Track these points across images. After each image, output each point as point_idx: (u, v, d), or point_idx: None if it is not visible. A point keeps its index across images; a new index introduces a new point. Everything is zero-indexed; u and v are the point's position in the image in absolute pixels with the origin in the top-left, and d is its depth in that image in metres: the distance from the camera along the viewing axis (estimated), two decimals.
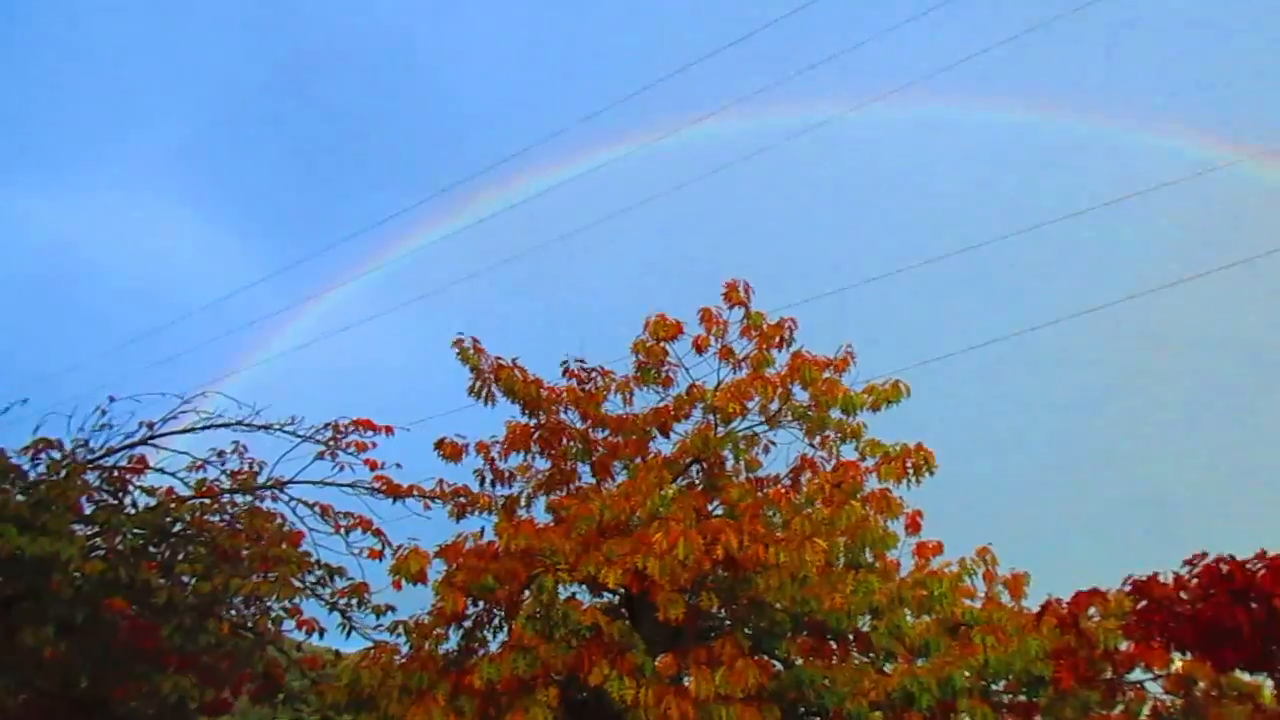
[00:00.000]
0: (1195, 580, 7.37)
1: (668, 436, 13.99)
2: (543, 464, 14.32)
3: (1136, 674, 11.67)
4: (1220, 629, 7.04)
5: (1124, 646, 11.44)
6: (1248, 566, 6.97)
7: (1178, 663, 11.45)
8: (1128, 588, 7.97)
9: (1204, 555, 7.34)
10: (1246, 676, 10.37)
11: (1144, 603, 7.84)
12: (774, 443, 13.89)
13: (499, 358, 13.80)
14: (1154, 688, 11.80)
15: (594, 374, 14.32)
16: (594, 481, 14.02)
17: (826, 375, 13.04)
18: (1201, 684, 11.48)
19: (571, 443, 14.14)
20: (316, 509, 14.11)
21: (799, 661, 12.48)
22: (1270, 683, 7.96)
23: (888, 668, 12.58)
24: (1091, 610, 10.96)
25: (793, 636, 12.73)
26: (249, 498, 14.22)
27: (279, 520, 14.18)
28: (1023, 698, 12.67)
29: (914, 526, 13.27)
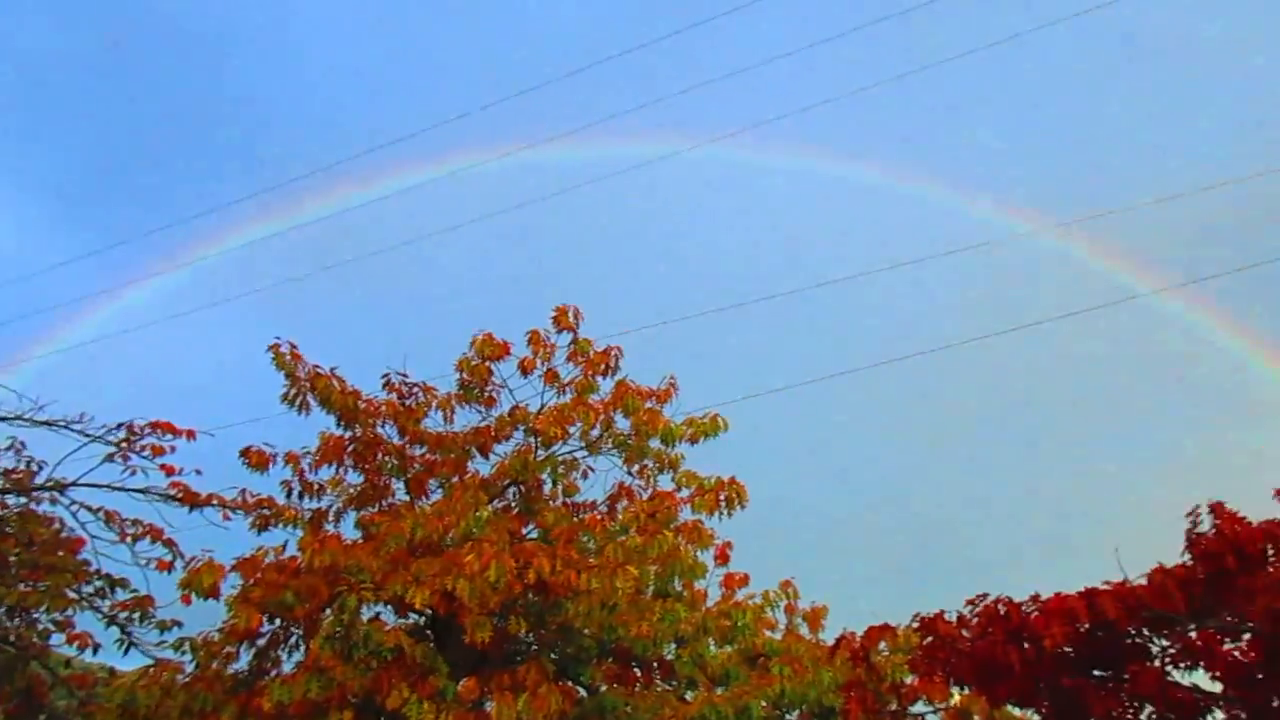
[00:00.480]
0: (976, 619, 7.85)
1: (487, 457, 13.84)
2: (355, 478, 13.87)
3: (920, 706, 12.33)
4: (995, 665, 7.52)
5: (909, 680, 12.08)
6: (1023, 608, 7.50)
7: (956, 697, 12.19)
8: (916, 624, 8.39)
9: (985, 596, 7.85)
10: (1016, 711, 11.13)
11: (930, 639, 8.27)
12: (593, 469, 13.99)
13: (317, 366, 13.31)
14: (935, 719, 12.49)
15: (416, 389, 14.02)
16: (408, 499, 13.68)
17: (649, 405, 13.24)
18: (976, 717, 12.27)
19: (387, 458, 13.77)
20: (101, 515, 13.16)
21: (603, 688, 12.53)
22: (1036, 717, 8.56)
23: (689, 696, 12.80)
24: (882, 645, 11.51)
25: (599, 663, 12.78)
26: (23, 499, 13.12)
27: (56, 525, 13.16)
28: None
29: (723, 558, 13.60)
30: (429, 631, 12.68)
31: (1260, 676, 7.23)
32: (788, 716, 13.21)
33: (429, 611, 11.83)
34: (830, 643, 13.51)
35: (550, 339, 13.63)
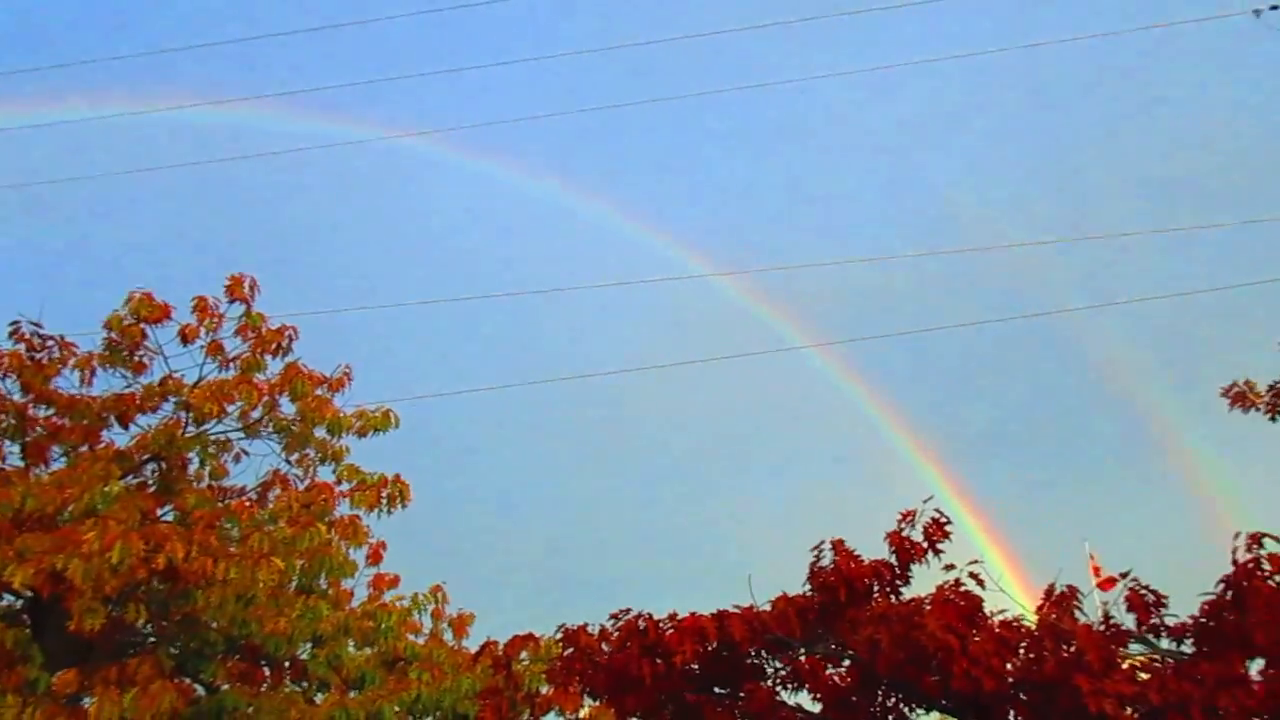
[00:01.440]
0: (617, 633, 8.15)
1: (126, 428, 12.60)
2: None
3: (552, 717, 12.63)
4: (628, 678, 7.84)
5: (545, 690, 12.34)
6: (661, 625, 7.87)
7: (587, 708, 12.62)
8: (559, 635, 8.57)
9: (628, 611, 8.16)
10: None
11: (570, 650, 8.48)
12: (248, 453, 13.12)
13: None
14: None
15: (51, 343, 12.48)
16: (23, 464, 12.11)
17: (319, 392, 12.64)
18: None
19: (4, 416, 12.12)
20: None
21: (225, 687, 11.72)
22: None
23: (321, 698, 12.28)
24: (524, 654, 11.68)
25: (225, 660, 11.94)
26: None
27: None
28: None
29: (376, 558, 13.22)
30: (26, 616, 11.27)
31: (854, 699, 8.06)
32: None
33: (30, 593, 10.50)
34: (474, 650, 13.56)
35: (220, 309, 12.68)
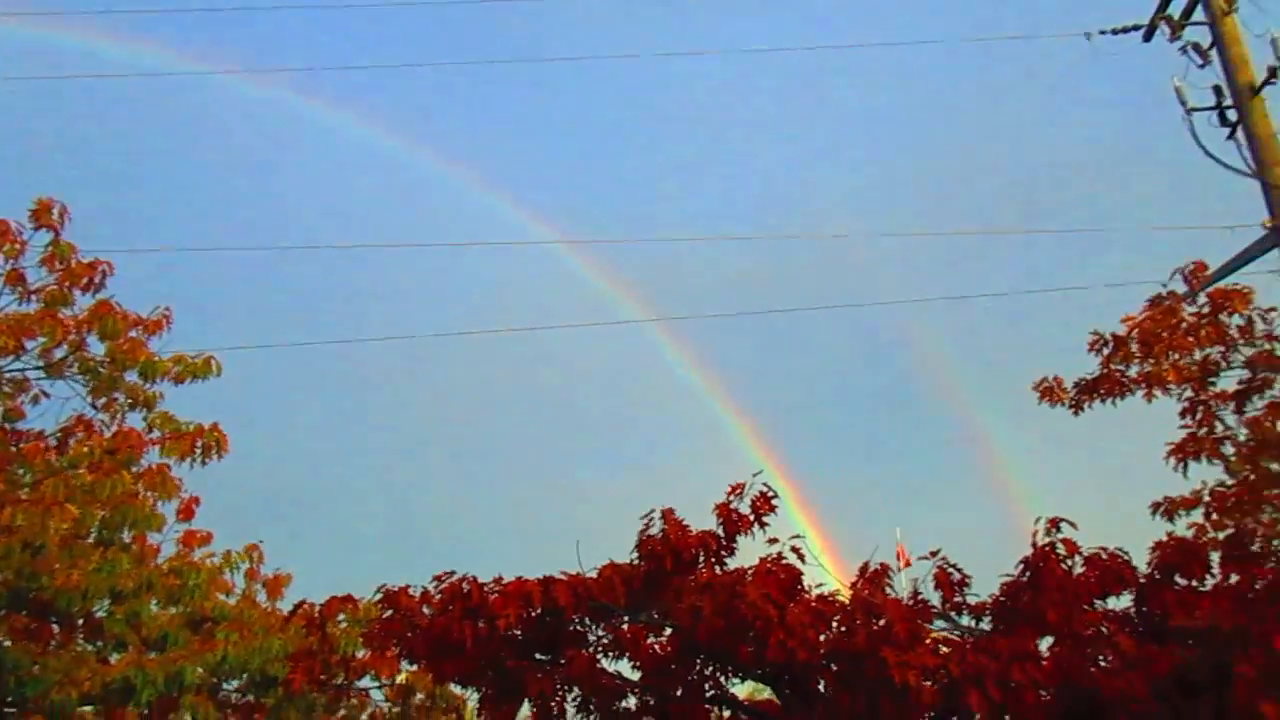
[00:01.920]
0: (440, 596, 7.96)
1: None
2: None
3: (367, 681, 12.30)
4: (450, 642, 7.67)
5: (362, 654, 11.99)
6: (486, 588, 7.74)
7: (404, 674, 12.34)
8: (379, 596, 8.30)
9: (452, 573, 7.98)
10: (458, 689, 11.50)
11: (390, 612, 8.23)
12: (48, 394, 12.11)
13: None
14: (383, 695, 12.54)
15: None
16: None
17: (133, 334, 11.79)
18: (419, 694, 12.51)
19: None
20: None
21: (7, 644, 10.85)
22: (475, 695, 8.87)
23: (117, 658, 11.54)
24: (341, 616, 11.30)
25: (8, 615, 11.04)
26: None
27: None
28: (251, 698, 12.52)
29: (187, 513, 12.51)
30: None
31: (674, 666, 8.15)
32: (226, 684, 12.44)
33: None
34: (287, 611, 13.04)
35: (23, 235, 11.62)
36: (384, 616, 8.52)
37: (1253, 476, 9.36)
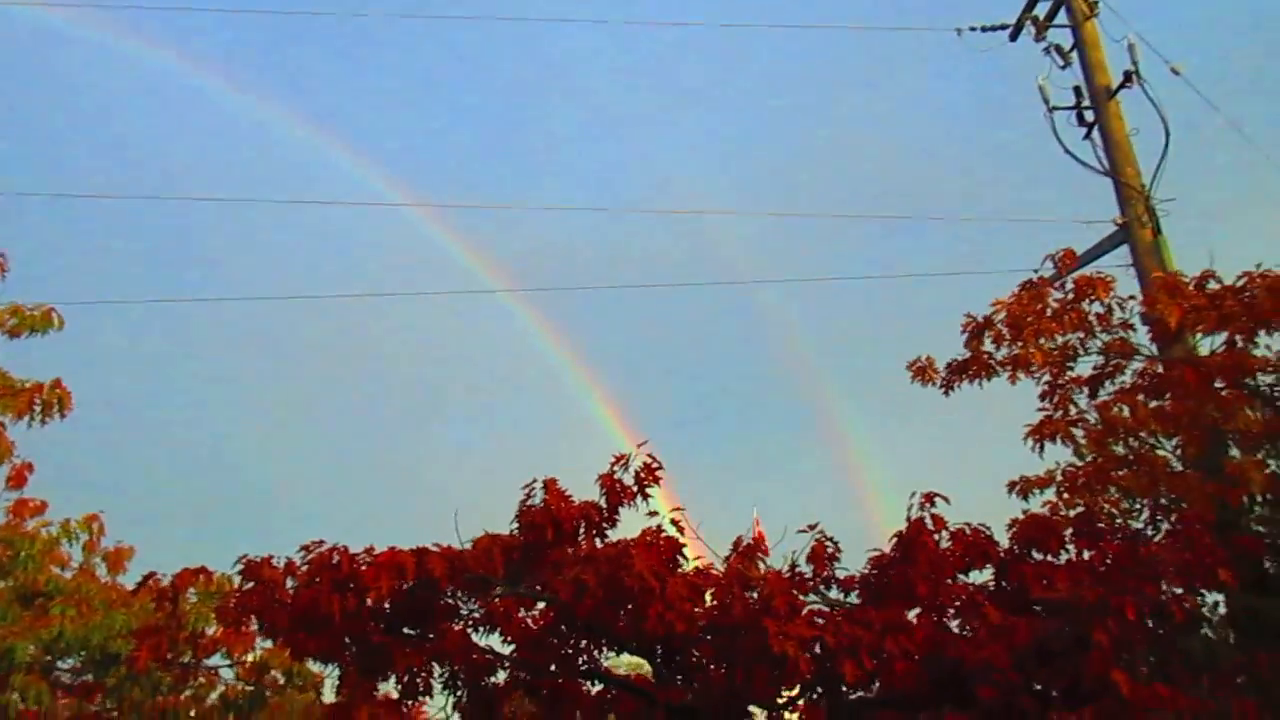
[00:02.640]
0: (306, 567, 7.57)
1: None
2: None
3: (220, 659, 11.68)
4: (316, 617, 7.31)
5: (213, 631, 11.38)
6: (357, 559, 7.40)
7: (259, 651, 11.77)
8: (240, 569, 7.83)
9: (320, 543, 7.61)
10: (317, 666, 11.04)
11: (251, 584, 7.78)
12: None
13: None
14: (234, 673, 11.92)
15: None
16: None
17: None
18: (275, 672, 11.95)
19: None
20: None
21: None
22: (336, 671, 8.51)
23: None
24: (191, 591, 10.67)
25: None
26: None
27: None
28: (90, 677, 11.74)
29: (19, 479, 11.60)
30: None
31: (554, 640, 8.03)
32: (62, 663, 11.61)
33: None
34: (131, 586, 12.25)
35: None
36: (242, 589, 8.06)
37: (1100, 459, 9.86)
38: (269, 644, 10.65)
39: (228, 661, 11.89)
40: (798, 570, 7.89)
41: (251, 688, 11.73)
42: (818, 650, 7.10)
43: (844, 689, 7.71)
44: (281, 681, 11.89)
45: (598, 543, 7.76)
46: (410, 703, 8.44)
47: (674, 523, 7.88)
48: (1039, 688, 7.24)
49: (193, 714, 11.30)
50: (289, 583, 7.87)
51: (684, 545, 7.62)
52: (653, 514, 7.94)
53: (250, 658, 12.03)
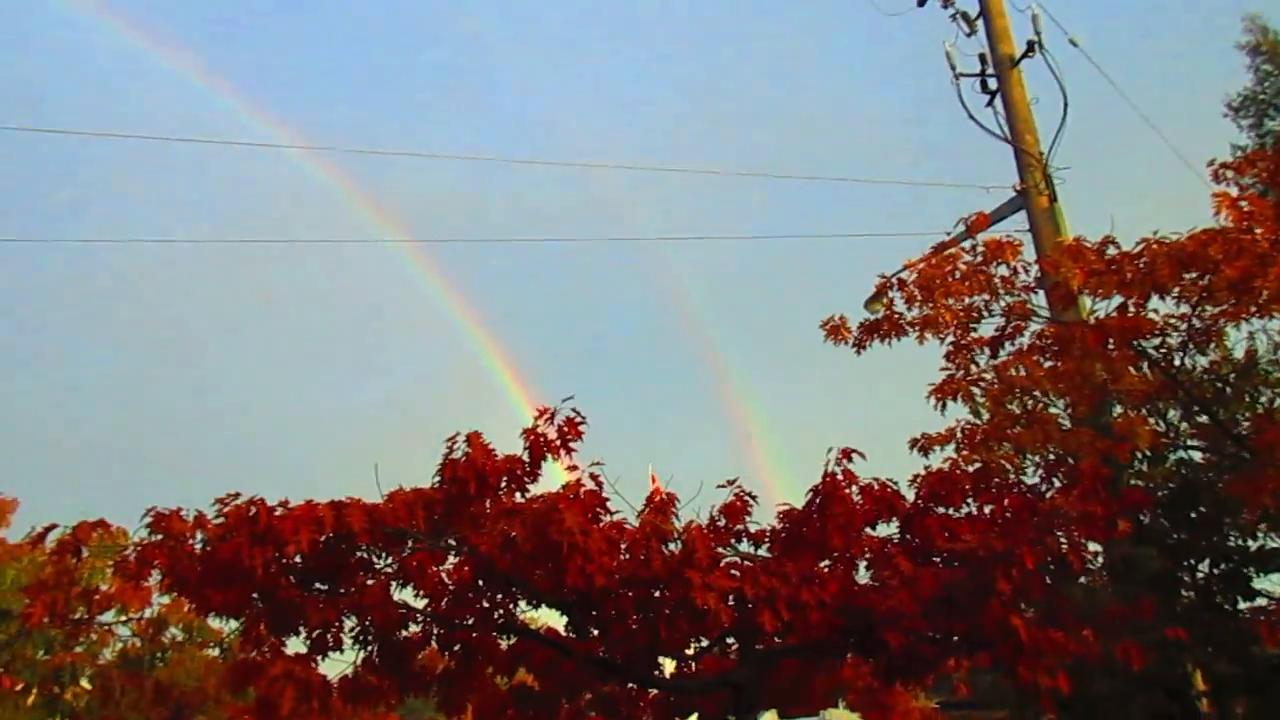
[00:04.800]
0: (221, 520, 7.36)
1: None
2: None
3: (114, 615, 11.31)
4: (232, 571, 7.13)
5: (107, 587, 10.98)
6: (273, 512, 7.23)
7: (156, 607, 11.43)
8: (147, 520, 7.54)
9: (236, 495, 7.40)
10: (217, 622, 10.77)
11: (160, 537, 7.51)
12: None
13: None
14: (129, 629, 11.57)
15: None
16: None
17: None
18: (174, 629, 11.63)
19: None
20: None
21: None
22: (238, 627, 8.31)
23: None
24: (91, 544, 10.22)
25: None
26: None
27: None
28: None
29: None
30: None
31: (471, 595, 8.01)
32: None
33: None
34: (19, 541, 11.71)
35: None
36: (145, 543, 7.77)
37: (997, 417, 10.31)
38: (165, 600, 10.37)
39: (123, 618, 11.53)
40: (716, 523, 8.05)
41: (150, 642, 11.40)
42: (732, 602, 7.29)
43: (757, 639, 7.96)
44: (181, 639, 11.59)
45: (519, 497, 7.76)
46: (320, 658, 8.34)
47: (593, 477, 7.93)
48: (937, 636, 7.61)
49: (88, 672, 10.93)
50: (198, 535, 7.65)
51: (607, 500, 7.68)
52: (573, 468, 7.97)
53: (148, 613, 11.69)
